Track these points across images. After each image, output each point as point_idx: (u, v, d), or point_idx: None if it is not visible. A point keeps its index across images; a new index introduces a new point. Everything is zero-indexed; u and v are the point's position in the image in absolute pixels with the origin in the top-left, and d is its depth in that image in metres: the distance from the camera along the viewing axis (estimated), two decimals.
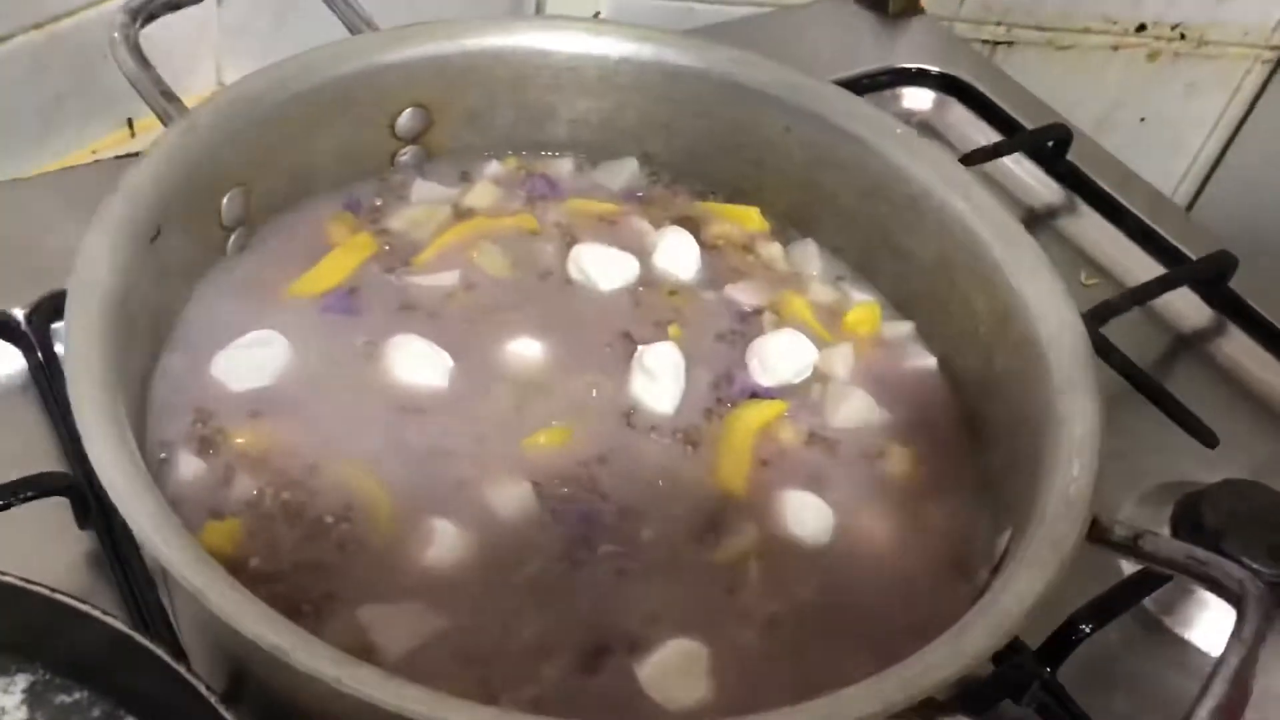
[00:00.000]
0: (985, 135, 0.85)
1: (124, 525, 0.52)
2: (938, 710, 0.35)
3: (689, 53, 0.55)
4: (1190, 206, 1.18)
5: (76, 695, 0.41)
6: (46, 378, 0.58)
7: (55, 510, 0.53)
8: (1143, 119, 1.12)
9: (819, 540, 0.46)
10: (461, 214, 0.55)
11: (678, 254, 0.55)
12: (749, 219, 0.57)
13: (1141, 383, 0.68)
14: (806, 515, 0.46)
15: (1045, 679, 0.55)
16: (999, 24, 1.05)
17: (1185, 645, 0.60)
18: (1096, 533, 0.40)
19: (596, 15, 0.92)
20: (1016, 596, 0.37)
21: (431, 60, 0.53)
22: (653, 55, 0.55)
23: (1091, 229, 0.82)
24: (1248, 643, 0.35)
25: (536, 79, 0.55)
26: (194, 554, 0.36)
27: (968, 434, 0.50)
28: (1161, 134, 1.13)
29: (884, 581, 0.45)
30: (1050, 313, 0.46)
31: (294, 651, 0.33)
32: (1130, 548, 0.40)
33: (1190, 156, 1.16)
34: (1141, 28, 1.07)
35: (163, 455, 0.45)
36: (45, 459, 0.56)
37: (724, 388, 0.51)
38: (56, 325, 0.56)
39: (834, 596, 0.44)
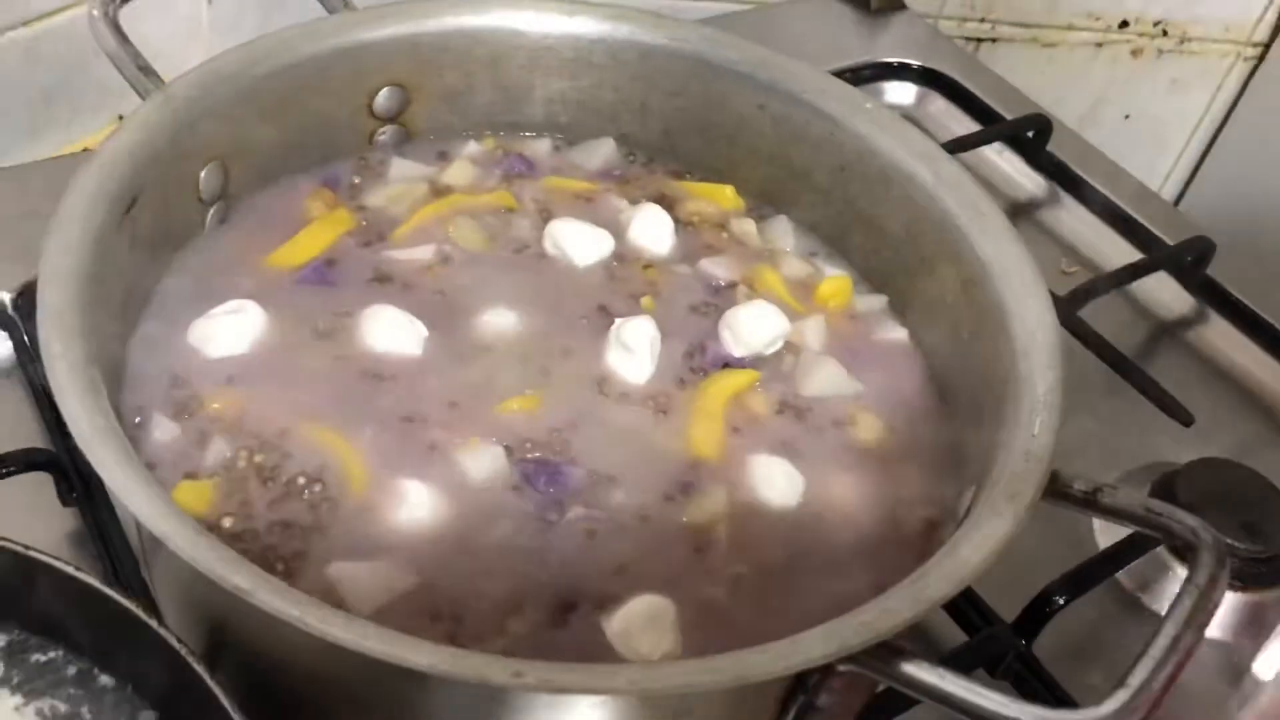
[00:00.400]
0: (966, 128, 0.86)
1: (106, 501, 0.53)
2: (895, 654, 0.35)
3: (661, 31, 0.56)
4: (1177, 202, 1.19)
5: (52, 654, 0.42)
6: (31, 359, 0.58)
7: (40, 490, 0.54)
8: (1127, 116, 1.13)
9: (788, 503, 0.46)
10: (439, 191, 0.56)
11: (652, 229, 0.55)
12: (724, 197, 0.58)
13: (1119, 365, 0.69)
14: (776, 479, 0.47)
15: (1020, 651, 0.56)
16: (983, 20, 1.06)
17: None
18: (1057, 487, 0.40)
19: None
20: (974, 547, 0.38)
21: (407, 39, 0.54)
22: (626, 34, 0.56)
23: (1073, 219, 0.83)
24: (1200, 587, 0.36)
25: (513, 58, 0.56)
26: (161, 501, 0.36)
27: (937, 401, 0.51)
28: (1146, 130, 1.14)
29: (851, 543, 0.46)
30: (1014, 278, 0.47)
31: (256, 592, 0.34)
32: (1090, 501, 0.40)
33: (1175, 153, 1.17)
34: (1124, 24, 1.08)
35: (138, 419, 0.45)
36: (31, 439, 0.56)
37: (697, 358, 0.51)
38: None
39: (802, 557, 0.45)
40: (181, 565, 0.36)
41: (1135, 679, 0.34)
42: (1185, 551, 0.38)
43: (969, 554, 0.37)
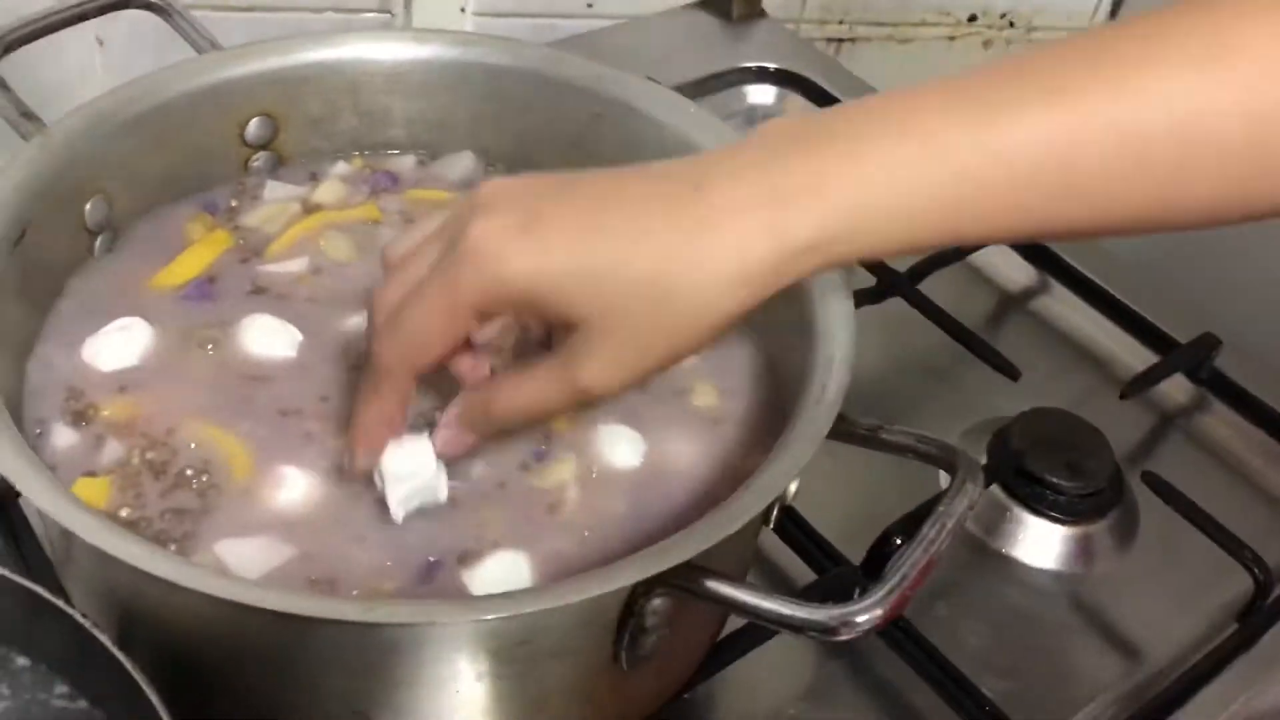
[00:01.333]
0: None
1: (21, 515, 0.58)
2: (700, 574, 0.41)
3: (504, 54, 0.62)
4: None
5: None
6: None
7: None
8: None
9: (631, 463, 0.52)
10: (310, 209, 0.61)
11: None
12: None
13: (955, 331, 0.76)
14: (620, 443, 0.53)
15: (868, 588, 0.62)
16: (840, 22, 1.13)
17: (1004, 559, 0.68)
18: (843, 427, 0.47)
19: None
20: (768, 480, 0.44)
21: (270, 73, 0.59)
22: (473, 58, 0.62)
23: None
24: (952, 498, 0.43)
25: (370, 85, 0.62)
26: (59, 493, 0.41)
27: (762, 370, 0.57)
28: None
29: (689, 494, 0.52)
30: None
31: (140, 561, 0.39)
32: (870, 438, 0.47)
33: None
34: (973, 18, 1.16)
35: (39, 431, 0.50)
36: None
37: (550, 343, 0.57)
38: None
39: (645, 508, 0.51)
40: (86, 553, 0.41)
41: (892, 574, 0.40)
42: (947, 470, 0.45)
43: (763, 485, 0.44)
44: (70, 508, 0.41)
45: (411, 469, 0.47)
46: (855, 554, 0.63)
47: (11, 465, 0.41)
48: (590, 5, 1.05)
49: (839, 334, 0.50)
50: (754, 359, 0.57)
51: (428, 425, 0.49)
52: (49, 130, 0.53)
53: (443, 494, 0.48)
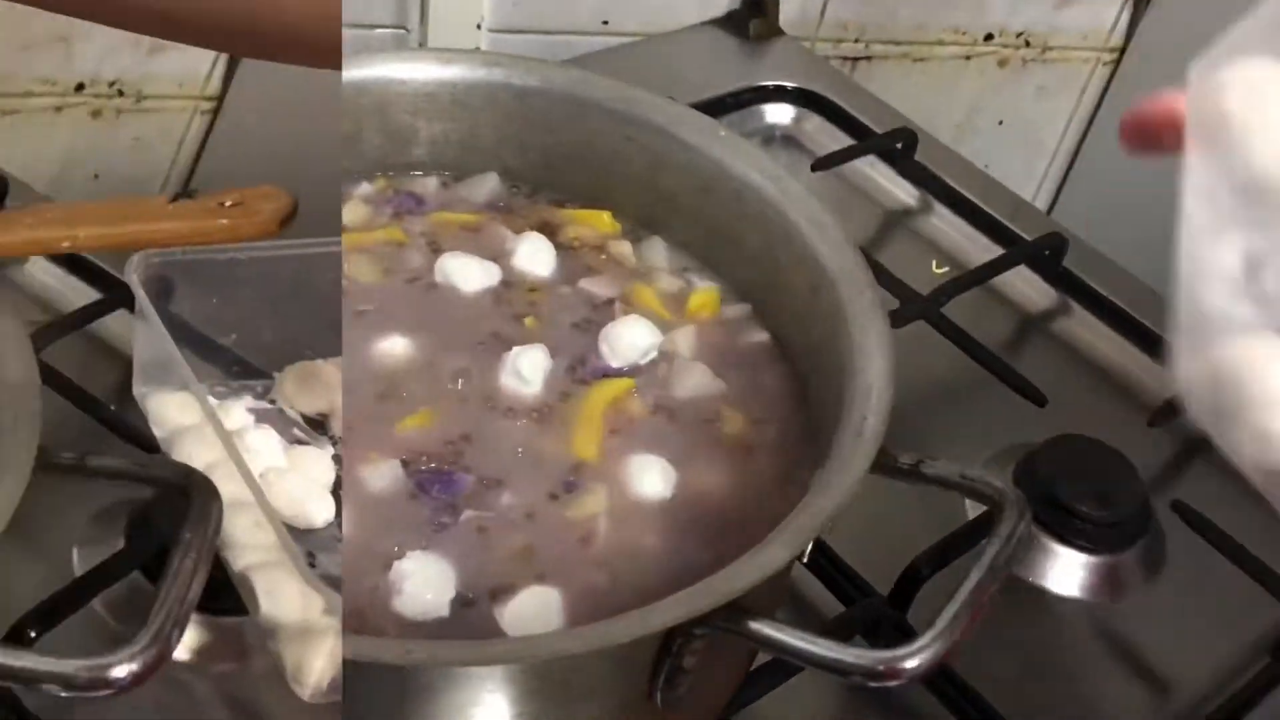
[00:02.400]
0: (842, 144, 0.92)
1: None
2: (743, 614, 0.40)
3: (532, 75, 0.61)
4: (1055, 199, 1.26)
5: None
6: None
7: None
8: (1001, 122, 1.21)
9: (662, 495, 0.51)
10: None
11: (535, 255, 0.60)
12: (601, 222, 0.63)
13: (978, 354, 0.75)
14: (651, 473, 0.52)
15: (896, 620, 0.61)
16: (856, 40, 1.13)
17: (1031, 588, 0.67)
18: (884, 461, 0.46)
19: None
20: (810, 516, 0.43)
21: None
22: (500, 79, 0.61)
23: (942, 223, 0.89)
24: (1002, 539, 0.42)
25: (397, 105, 0.61)
26: None
27: (794, 397, 0.56)
28: (1020, 135, 1.22)
29: (721, 526, 0.51)
30: (848, 282, 0.52)
31: None
32: (913, 472, 0.46)
33: (1050, 154, 1.25)
34: (989, 37, 1.15)
35: None
36: None
37: (579, 370, 0.56)
38: None
39: (677, 541, 0.50)
40: None
41: (942, 620, 0.39)
42: (992, 507, 0.44)
43: (805, 522, 0.43)
44: None
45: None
46: (876, 579, 0.62)
47: None
48: (606, 23, 1.05)
49: (877, 361, 0.49)
50: (786, 384, 0.57)
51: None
52: None
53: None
